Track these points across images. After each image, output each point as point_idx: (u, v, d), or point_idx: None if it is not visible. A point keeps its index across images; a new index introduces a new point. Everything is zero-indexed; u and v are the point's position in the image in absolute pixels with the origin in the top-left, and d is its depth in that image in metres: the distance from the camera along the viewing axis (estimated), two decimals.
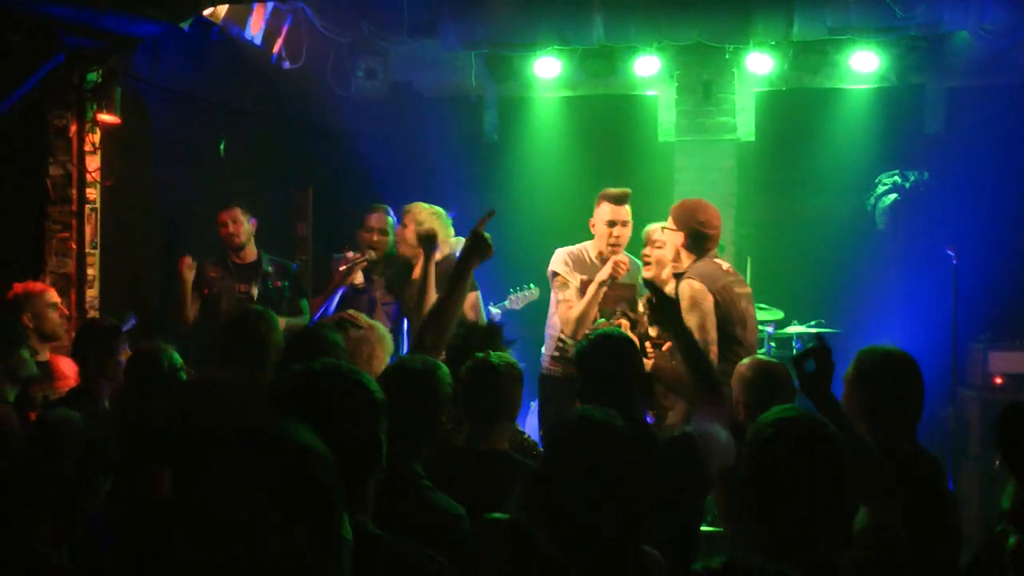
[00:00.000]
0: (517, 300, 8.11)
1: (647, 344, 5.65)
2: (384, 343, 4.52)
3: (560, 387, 6.20)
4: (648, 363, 5.43)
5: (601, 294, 6.19)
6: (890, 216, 9.42)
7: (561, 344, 6.41)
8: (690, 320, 5.05)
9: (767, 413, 2.88)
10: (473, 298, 6.35)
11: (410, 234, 6.55)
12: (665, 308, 4.18)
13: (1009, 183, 8.95)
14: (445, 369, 3.51)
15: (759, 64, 9.33)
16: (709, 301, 5.32)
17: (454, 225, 6.95)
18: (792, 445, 2.72)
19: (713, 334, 5.24)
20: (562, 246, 6.74)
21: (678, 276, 5.55)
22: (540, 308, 7.75)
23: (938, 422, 7.84)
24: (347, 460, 2.35)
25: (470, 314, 6.16)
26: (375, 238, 7.19)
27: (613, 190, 6.34)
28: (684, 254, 5.63)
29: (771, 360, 4.59)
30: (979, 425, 8.01)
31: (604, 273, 6.15)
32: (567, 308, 6.31)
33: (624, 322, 5.89)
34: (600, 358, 3.81)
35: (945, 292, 7.63)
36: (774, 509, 2.71)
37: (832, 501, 2.70)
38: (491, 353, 3.90)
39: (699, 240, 5.56)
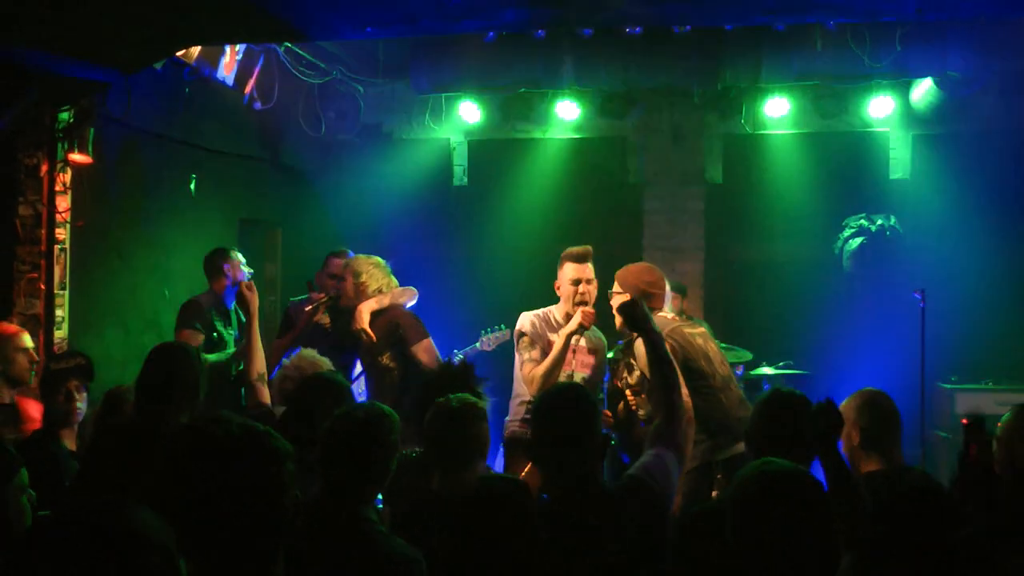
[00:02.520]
0: (489, 342, 7.88)
1: (627, 392, 5.64)
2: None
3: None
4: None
5: (568, 349, 5.89)
6: (857, 259, 9.39)
7: (531, 407, 6.06)
8: (652, 373, 5.05)
9: (750, 465, 2.86)
10: (428, 344, 6.23)
11: (349, 287, 6.44)
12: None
13: (973, 227, 9.10)
14: (394, 416, 3.41)
15: (726, 109, 9.53)
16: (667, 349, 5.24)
17: (417, 272, 6.92)
18: (776, 496, 2.70)
19: (681, 381, 5.12)
20: (530, 288, 6.67)
21: (629, 344, 5.52)
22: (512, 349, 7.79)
23: (908, 463, 7.74)
24: (251, 524, 2.21)
25: (424, 358, 6.10)
26: (336, 283, 6.96)
27: (575, 249, 6.10)
28: None
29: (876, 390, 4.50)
30: (948, 466, 7.97)
31: (572, 324, 5.86)
32: (530, 367, 6.00)
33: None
34: (556, 414, 3.43)
35: (912, 334, 7.58)
36: (758, 559, 2.69)
37: (815, 549, 2.68)
38: (450, 397, 3.83)
39: (647, 300, 5.38)
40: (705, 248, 9.87)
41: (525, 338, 6.08)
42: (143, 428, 3.45)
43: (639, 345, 5.34)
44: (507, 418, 6.21)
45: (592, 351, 6.08)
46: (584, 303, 5.99)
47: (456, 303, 8.22)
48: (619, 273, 5.70)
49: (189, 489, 2.15)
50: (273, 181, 9.72)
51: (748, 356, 8.15)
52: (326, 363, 4.67)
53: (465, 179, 10.50)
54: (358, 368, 6.80)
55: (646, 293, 5.53)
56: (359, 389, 6.78)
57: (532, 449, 3.46)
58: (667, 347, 4.61)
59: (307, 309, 6.81)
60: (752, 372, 8.31)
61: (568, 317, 6.05)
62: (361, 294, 6.33)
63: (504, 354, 7.63)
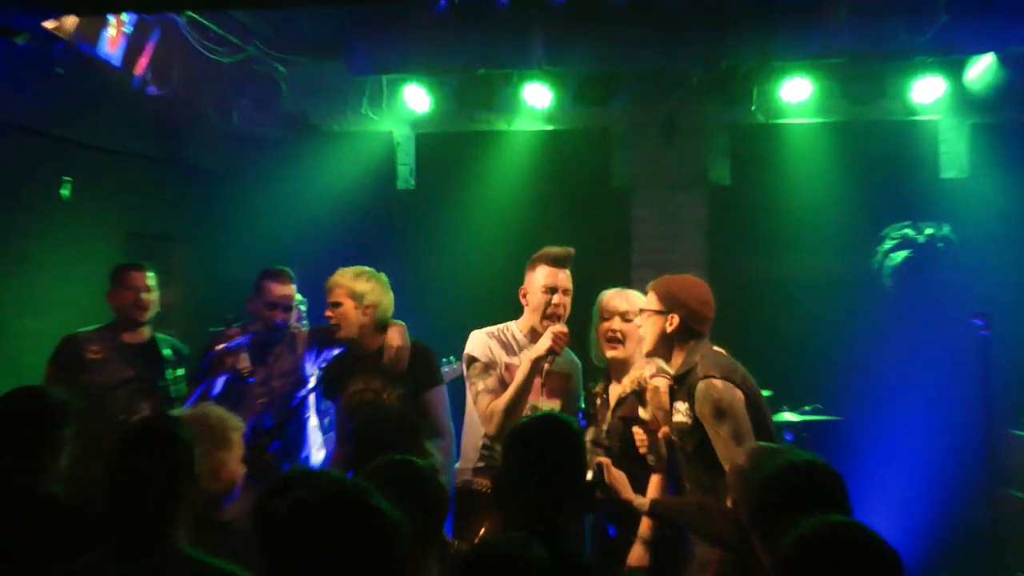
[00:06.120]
0: None
1: (636, 429, 5.44)
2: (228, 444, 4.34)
3: (489, 503, 5.68)
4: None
5: (534, 377, 5.73)
6: (901, 277, 9.19)
7: (487, 451, 6.00)
8: (721, 431, 4.73)
9: (806, 524, 2.83)
10: (442, 392, 6.21)
11: (351, 312, 6.19)
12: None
13: None
14: (403, 523, 2.95)
15: (732, 94, 9.14)
16: (739, 400, 4.84)
17: None
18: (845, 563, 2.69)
19: (752, 437, 4.76)
20: (490, 314, 6.42)
21: (681, 378, 5.06)
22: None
23: (974, 531, 7.55)
24: None
25: (434, 407, 6.04)
26: (279, 315, 6.65)
27: (553, 249, 6.00)
28: (670, 344, 5.17)
29: (776, 447, 4.33)
30: None
31: (541, 347, 5.70)
32: (487, 400, 5.89)
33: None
34: (529, 452, 3.45)
35: (973, 368, 7.43)
36: None
37: None
38: (416, 460, 3.68)
39: (697, 325, 5.09)
40: (708, 265, 9.47)
41: (477, 364, 6.00)
42: None
43: (658, 381, 5.36)
44: (457, 464, 6.13)
45: (563, 376, 6.00)
46: (556, 317, 5.88)
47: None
48: (657, 286, 5.25)
49: None
50: (172, 185, 9.33)
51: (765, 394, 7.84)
52: (232, 420, 4.47)
53: (412, 181, 10.32)
54: (312, 419, 6.78)
55: (699, 316, 5.12)
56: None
57: (499, 495, 3.53)
58: (741, 401, 4.81)
59: (218, 349, 6.38)
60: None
61: (534, 333, 5.99)
62: (371, 319, 6.17)
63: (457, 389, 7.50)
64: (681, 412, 4.99)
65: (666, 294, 5.14)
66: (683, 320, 5.05)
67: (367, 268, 6.27)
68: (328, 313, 6.22)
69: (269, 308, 6.62)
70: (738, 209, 9.79)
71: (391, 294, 6.26)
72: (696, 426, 4.90)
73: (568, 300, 5.93)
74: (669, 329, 5.08)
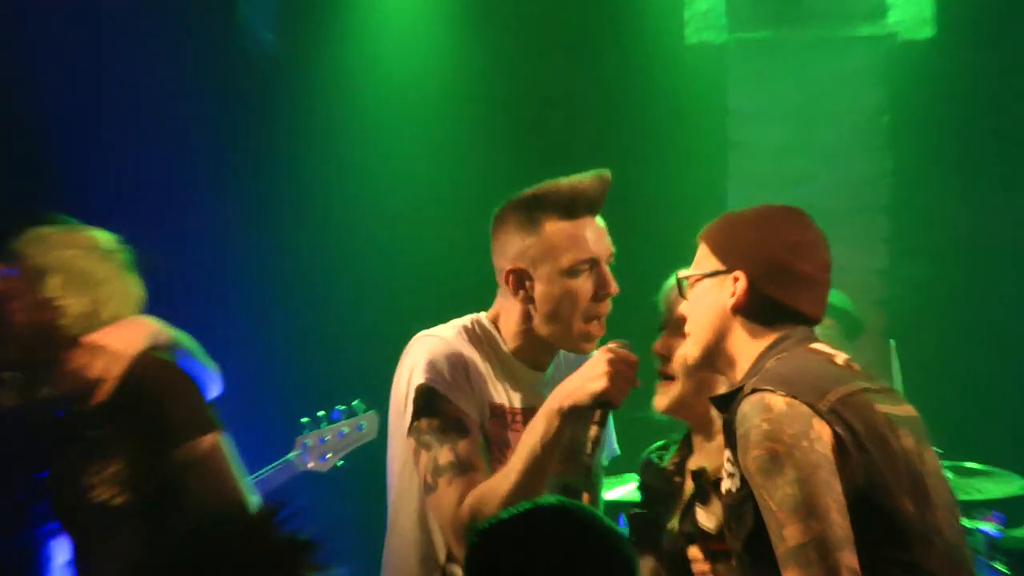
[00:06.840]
0: (321, 448, 5.41)
1: (692, 551, 3.50)
2: None
3: None
4: None
5: (559, 444, 3.44)
6: None
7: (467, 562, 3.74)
8: (772, 496, 2.92)
9: None
10: (212, 445, 3.95)
11: (17, 313, 4.35)
12: None
13: None
14: None
15: None
16: (821, 438, 2.92)
17: (162, 272, 4.56)
18: None
19: (842, 524, 2.86)
20: (434, 304, 4.42)
21: (727, 399, 3.16)
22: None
23: None
24: None
25: (202, 479, 4.18)
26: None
27: (574, 183, 3.66)
28: (736, 334, 3.21)
29: None
30: None
31: (586, 387, 3.43)
32: (460, 486, 3.60)
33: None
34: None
35: None
36: None
37: None
38: None
39: (782, 291, 3.08)
40: (890, 208, 6.67)
41: (429, 421, 3.69)
42: None
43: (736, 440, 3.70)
44: None
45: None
46: (596, 318, 3.70)
47: (251, 347, 6.18)
48: (715, 227, 3.26)
49: None
50: None
51: (1016, 485, 5.57)
52: None
53: (269, 36, 7.47)
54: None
55: (782, 273, 3.15)
56: None
57: None
58: (825, 443, 3.15)
59: None
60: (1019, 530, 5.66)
61: (532, 346, 3.79)
62: (52, 323, 4.07)
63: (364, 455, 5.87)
64: (727, 471, 3.22)
65: (724, 239, 3.23)
66: (754, 282, 3.14)
67: (79, 229, 4.21)
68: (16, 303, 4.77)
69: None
70: (952, 90, 6.60)
71: (114, 284, 4.10)
72: (746, 493, 3.08)
73: (611, 290, 3.79)
74: (731, 302, 3.15)
